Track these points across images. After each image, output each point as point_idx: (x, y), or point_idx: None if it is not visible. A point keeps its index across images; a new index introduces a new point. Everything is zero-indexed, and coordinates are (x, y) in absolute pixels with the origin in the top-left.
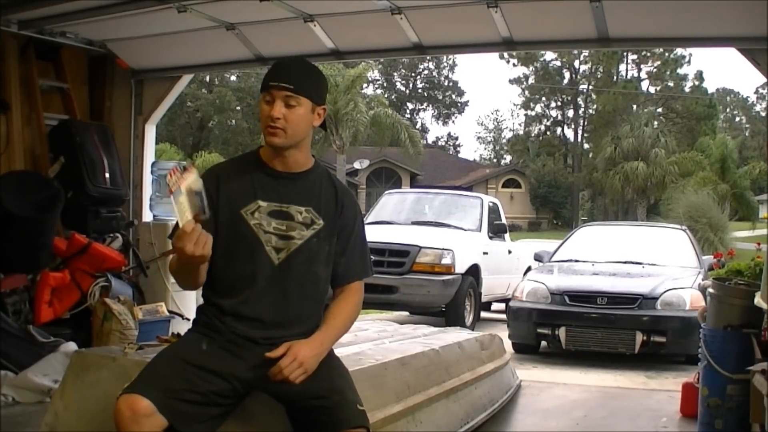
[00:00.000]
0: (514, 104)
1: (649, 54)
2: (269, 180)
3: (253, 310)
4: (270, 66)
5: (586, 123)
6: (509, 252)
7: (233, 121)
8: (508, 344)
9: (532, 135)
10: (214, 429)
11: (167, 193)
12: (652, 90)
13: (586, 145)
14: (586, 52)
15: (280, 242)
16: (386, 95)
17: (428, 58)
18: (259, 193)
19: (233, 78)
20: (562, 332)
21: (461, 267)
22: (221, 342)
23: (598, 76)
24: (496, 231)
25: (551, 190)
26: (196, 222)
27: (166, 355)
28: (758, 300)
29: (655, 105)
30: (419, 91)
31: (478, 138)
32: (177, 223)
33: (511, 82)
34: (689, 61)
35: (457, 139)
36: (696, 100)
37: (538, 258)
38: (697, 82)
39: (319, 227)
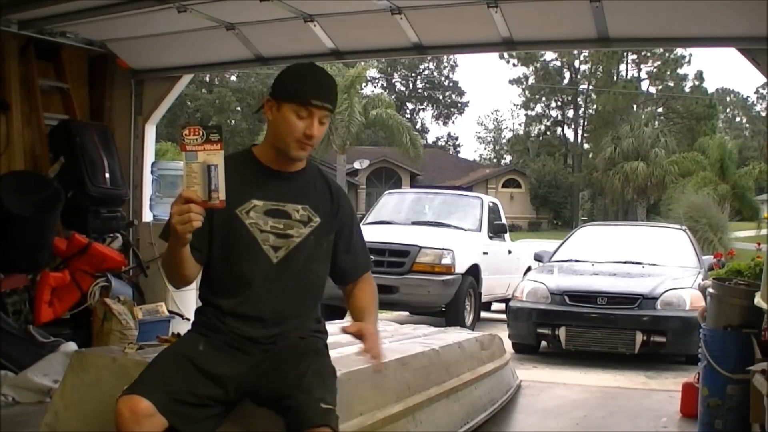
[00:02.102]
0: (514, 104)
1: (649, 54)
2: (265, 179)
3: (253, 309)
4: (291, 74)
5: (586, 123)
6: (509, 252)
7: (233, 121)
8: (508, 344)
9: (532, 135)
10: (213, 428)
11: (180, 149)
12: (652, 90)
13: (586, 145)
14: (586, 52)
15: (278, 241)
16: (385, 95)
17: (428, 58)
18: (254, 192)
19: (233, 78)
20: (562, 332)
21: (461, 267)
22: (218, 342)
23: (598, 76)
24: (496, 231)
25: (551, 190)
26: (203, 205)
27: (165, 355)
28: (758, 300)
29: (655, 105)
30: (419, 91)
31: (478, 138)
32: (168, 222)
33: (511, 82)
34: (689, 61)
35: (457, 139)
36: (696, 100)
37: (538, 258)
38: (697, 82)
39: (316, 225)
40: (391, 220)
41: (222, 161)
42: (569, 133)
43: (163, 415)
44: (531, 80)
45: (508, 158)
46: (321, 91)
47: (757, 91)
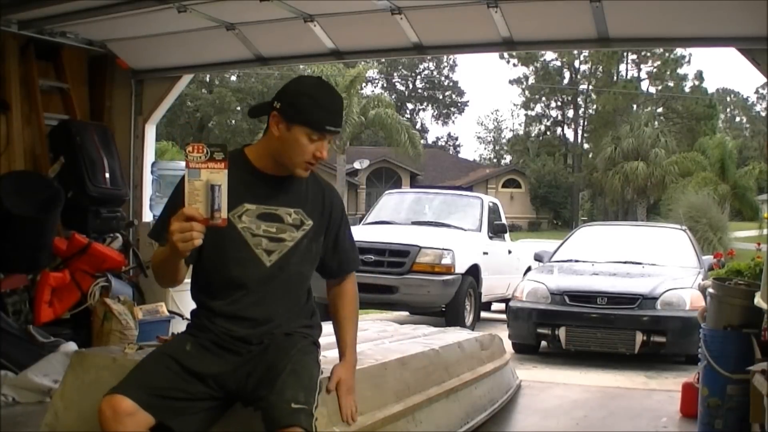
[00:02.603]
0: (514, 104)
1: (649, 54)
2: (258, 182)
3: (244, 310)
4: (305, 98)
5: (586, 123)
6: (509, 252)
7: (233, 121)
8: (508, 344)
9: (532, 135)
10: (208, 421)
11: (185, 165)
12: (652, 90)
13: (586, 145)
14: (586, 52)
15: (271, 244)
16: (385, 95)
17: (428, 58)
18: (246, 196)
19: (233, 78)
20: (562, 332)
21: (461, 267)
22: (206, 342)
23: (598, 76)
24: (496, 231)
25: (551, 190)
26: (204, 223)
27: (152, 356)
28: (758, 300)
29: (655, 105)
30: (419, 91)
31: (478, 138)
32: (158, 219)
33: (511, 82)
34: (689, 61)
35: (457, 139)
36: (696, 100)
37: (538, 258)
38: (697, 82)
39: (308, 228)
40: (391, 220)
41: (225, 181)
42: (569, 133)
43: (146, 411)
44: (531, 80)
45: (508, 158)
46: (336, 117)
47: (757, 91)
